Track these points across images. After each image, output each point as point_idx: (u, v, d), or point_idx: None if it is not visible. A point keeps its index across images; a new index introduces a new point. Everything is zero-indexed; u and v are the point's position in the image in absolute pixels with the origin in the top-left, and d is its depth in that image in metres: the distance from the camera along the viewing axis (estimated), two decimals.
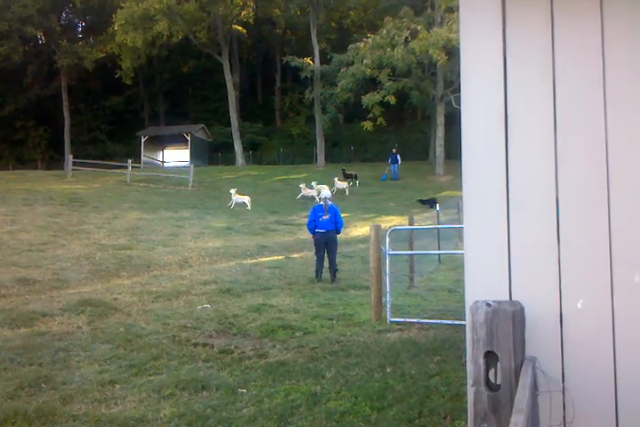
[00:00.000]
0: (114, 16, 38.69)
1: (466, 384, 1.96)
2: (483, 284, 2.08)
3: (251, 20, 42.58)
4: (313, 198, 21.88)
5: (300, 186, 23.90)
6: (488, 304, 1.85)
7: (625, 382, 1.94)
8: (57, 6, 46.61)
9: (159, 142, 44.50)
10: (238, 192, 21.90)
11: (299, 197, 23.52)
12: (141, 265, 11.64)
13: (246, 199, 21.40)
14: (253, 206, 21.73)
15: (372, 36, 31.23)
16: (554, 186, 2.06)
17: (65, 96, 45.92)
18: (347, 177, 26.32)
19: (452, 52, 28.07)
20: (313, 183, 23.51)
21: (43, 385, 4.94)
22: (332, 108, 36.26)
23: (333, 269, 10.51)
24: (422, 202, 21.78)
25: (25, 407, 4.37)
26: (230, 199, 21.71)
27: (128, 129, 46.04)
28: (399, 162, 30.45)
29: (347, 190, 23.05)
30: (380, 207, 22.40)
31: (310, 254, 11.91)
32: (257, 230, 17.03)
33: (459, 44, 2.21)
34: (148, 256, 12.46)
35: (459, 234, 12.99)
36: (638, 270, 1.97)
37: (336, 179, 24.59)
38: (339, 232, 10.93)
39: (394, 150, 31.09)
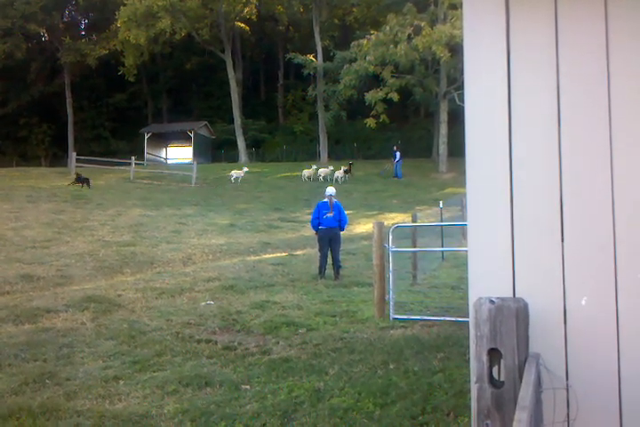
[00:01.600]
0: (117, 13, 38.73)
1: (469, 381, 1.97)
2: (486, 281, 2.08)
3: (253, 17, 42.61)
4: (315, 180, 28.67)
5: (314, 166, 29.92)
6: (491, 301, 1.84)
7: (629, 378, 1.94)
8: (60, 3, 46.60)
9: (162, 139, 44.52)
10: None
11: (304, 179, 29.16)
12: (145, 262, 11.66)
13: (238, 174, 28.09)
14: (256, 204, 21.91)
15: (375, 32, 31.18)
16: (557, 183, 2.06)
17: (68, 93, 45.96)
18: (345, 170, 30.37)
19: (456, 49, 27.97)
20: (314, 166, 29.93)
21: (47, 381, 4.97)
22: (335, 105, 36.21)
23: (337, 266, 10.51)
24: (77, 179, 23.70)
25: (29, 403, 4.40)
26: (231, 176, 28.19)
27: (131, 126, 46.06)
28: (397, 158, 30.38)
29: (339, 178, 28.78)
30: (383, 204, 22.40)
31: (313, 251, 11.91)
32: (260, 227, 17.04)
33: (462, 40, 2.20)
34: (151, 253, 12.48)
35: (462, 231, 12.97)
36: None
37: (342, 167, 29.66)
38: (342, 229, 10.93)
39: (395, 147, 31.02)
